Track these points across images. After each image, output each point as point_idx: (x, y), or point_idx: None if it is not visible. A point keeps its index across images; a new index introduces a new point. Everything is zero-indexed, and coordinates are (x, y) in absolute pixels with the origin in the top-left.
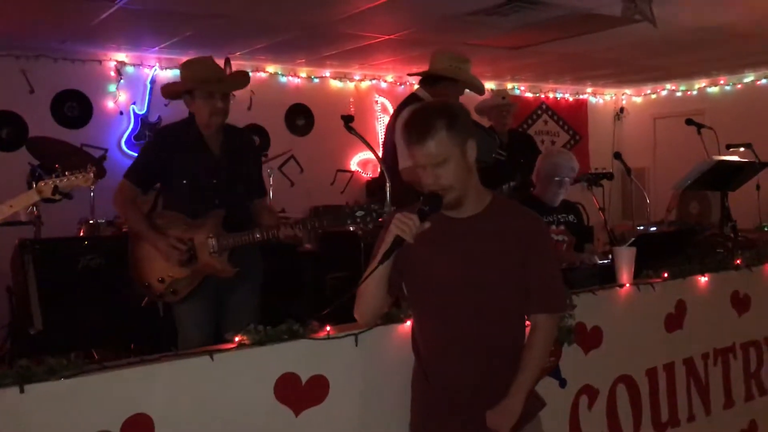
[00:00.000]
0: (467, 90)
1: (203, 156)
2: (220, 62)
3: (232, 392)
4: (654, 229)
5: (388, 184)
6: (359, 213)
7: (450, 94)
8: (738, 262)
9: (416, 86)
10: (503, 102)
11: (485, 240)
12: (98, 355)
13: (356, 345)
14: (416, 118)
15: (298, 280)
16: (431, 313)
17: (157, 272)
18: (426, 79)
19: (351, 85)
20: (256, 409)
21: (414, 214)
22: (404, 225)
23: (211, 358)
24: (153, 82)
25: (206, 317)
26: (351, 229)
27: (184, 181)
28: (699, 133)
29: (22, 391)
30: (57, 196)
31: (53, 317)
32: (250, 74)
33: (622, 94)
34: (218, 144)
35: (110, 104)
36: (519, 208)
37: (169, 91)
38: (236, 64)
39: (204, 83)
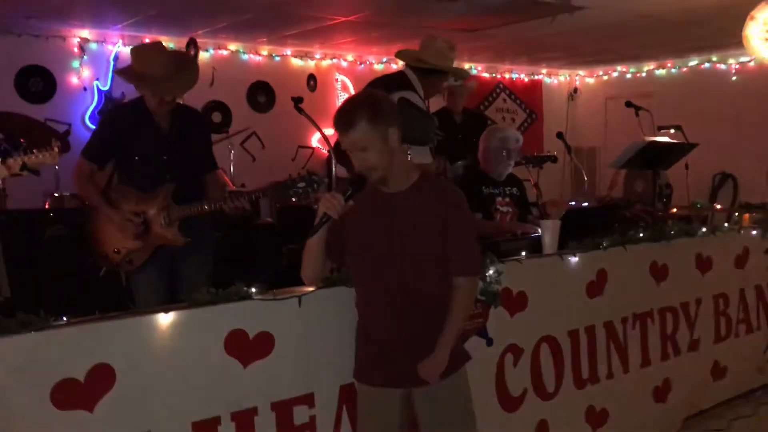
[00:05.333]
0: None
1: (153, 133)
2: (182, 42)
3: (186, 346)
4: (585, 204)
5: (334, 164)
6: (301, 184)
7: (440, 84)
8: (657, 235)
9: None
10: (455, 84)
11: (410, 212)
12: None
13: (299, 306)
14: (342, 109)
15: (255, 251)
16: (366, 276)
17: (113, 244)
18: (418, 66)
19: (311, 63)
20: (208, 362)
21: (340, 194)
22: (330, 204)
23: (167, 315)
24: (116, 58)
25: (160, 285)
26: (293, 199)
27: (136, 157)
28: (637, 115)
29: None
30: (24, 172)
31: (20, 286)
32: (212, 52)
33: (576, 75)
34: (168, 121)
35: (74, 80)
36: (441, 183)
37: (120, 75)
38: (198, 42)
39: (151, 83)
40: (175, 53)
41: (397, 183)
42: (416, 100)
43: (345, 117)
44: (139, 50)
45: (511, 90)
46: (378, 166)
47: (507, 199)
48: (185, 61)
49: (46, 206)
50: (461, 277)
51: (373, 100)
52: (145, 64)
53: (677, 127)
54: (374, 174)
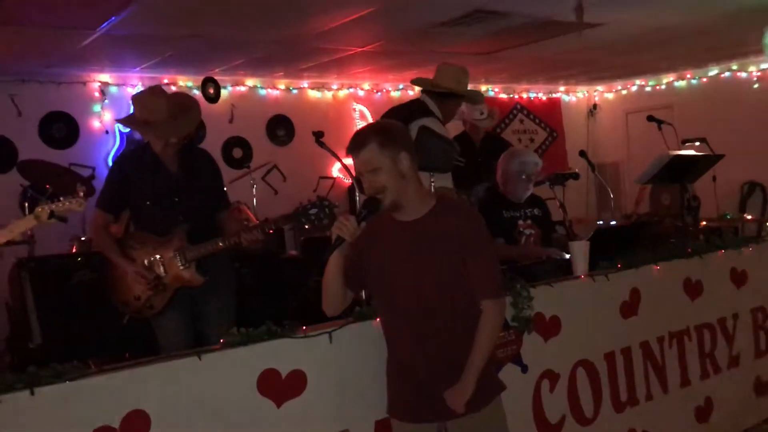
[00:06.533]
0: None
1: (162, 176)
2: (198, 80)
3: (219, 388)
4: (613, 222)
5: (357, 194)
6: (312, 211)
7: (456, 108)
8: (689, 250)
9: (403, 91)
10: (480, 117)
11: (428, 240)
12: (95, 365)
13: (330, 342)
14: (356, 134)
15: (282, 283)
16: (388, 306)
17: (133, 291)
18: (434, 91)
19: (329, 94)
20: (242, 402)
21: (352, 216)
22: (343, 226)
23: (199, 358)
24: None
25: (184, 326)
26: (306, 226)
27: (148, 202)
28: (659, 129)
29: (32, 393)
30: (53, 221)
31: (51, 330)
32: (230, 89)
33: (594, 91)
34: (176, 163)
35: (96, 124)
36: (458, 208)
37: (124, 124)
38: (216, 80)
39: (155, 128)
40: (174, 95)
41: (413, 210)
42: (437, 125)
43: (356, 139)
44: (139, 97)
45: (530, 110)
46: (388, 188)
47: (528, 221)
48: (185, 102)
49: (73, 250)
50: (487, 299)
51: (385, 125)
52: (147, 110)
53: (702, 140)
54: (385, 197)
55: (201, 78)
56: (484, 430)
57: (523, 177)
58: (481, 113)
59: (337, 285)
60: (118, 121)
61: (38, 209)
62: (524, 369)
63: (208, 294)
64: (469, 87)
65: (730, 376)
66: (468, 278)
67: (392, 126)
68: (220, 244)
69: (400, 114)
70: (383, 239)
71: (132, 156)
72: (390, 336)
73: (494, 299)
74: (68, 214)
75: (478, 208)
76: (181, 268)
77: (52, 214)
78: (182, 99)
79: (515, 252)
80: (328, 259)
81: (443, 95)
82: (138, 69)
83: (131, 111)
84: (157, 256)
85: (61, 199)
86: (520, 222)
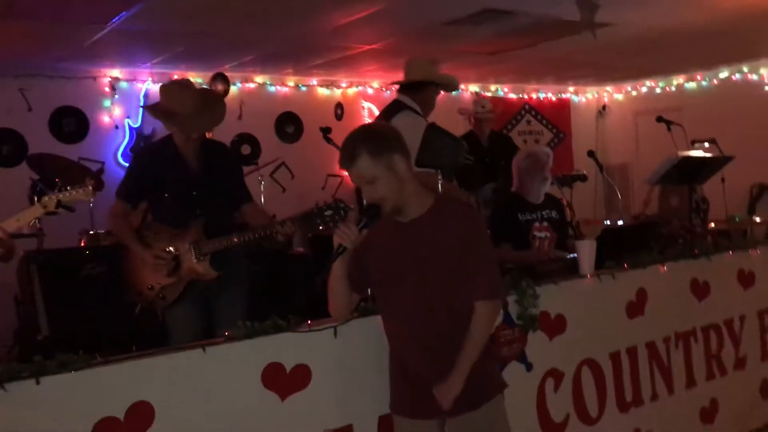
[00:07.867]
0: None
1: (182, 170)
2: (208, 75)
3: (224, 381)
4: (621, 223)
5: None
6: (327, 212)
7: (432, 96)
8: (696, 251)
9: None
10: (482, 111)
11: (427, 239)
12: (101, 356)
13: (335, 336)
14: (344, 145)
15: (289, 281)
16: (389, 306)
17: (147, 281)
18: (407, 87)
19: (338, 92)
20: (246, 396)
21: (353, 224)
22: (344, 234)
23: (204, 350)
24: (146, 96)
25: (194, 319)
26: (321, 228)
27: (166, 194)
28: (669, 129)
29: (38, 383)
30: (59, 210)
31: (58, 323)
32: (239, 85)
33: (604, 92)
34: (196, 158)
35: (106, 119)
36: (456, 206)
37: (149, 112)
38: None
39: (179, 120)
40: (202, 91)
41: (412, 210)
42: (412, 118)
43: (346, 152)
44: (167, 88)
45: (538, 110)
46: (388, 197)
47: (545, 224)
48: (212, 98)
49: (82, 244)
50: (480, 301)
51: (371, 131)
52: (173, 101)
53: (711, 141)
54: (387, 204)
55: (211, 74)
56: (484, 428)
57: (537, 169)
58: (483, 107)
59: (342, 291)
60: (144, 107)
61: (45, 198)
62: (529, 367)
63: (221, 288)
64: (477, 87)
65: (736, 378)
66: (465, 278)
67: (379, 129)
68: (235, 239)
69: (381, 117)
70: (383, 241)
71: (153, 148)
72: (392, 337)
73: (487, 300)
74: (75, 204)
75: (490, 210)
76: (195, 261)
77: (59, 204)
78: (210, 94)
79: (518, 258)
80: (332, 266)
81: (414, 87)
82: (148, 64)
83: (157, 101)
84: (172, 248)
85: (69, 188)
86: (536, 224)
